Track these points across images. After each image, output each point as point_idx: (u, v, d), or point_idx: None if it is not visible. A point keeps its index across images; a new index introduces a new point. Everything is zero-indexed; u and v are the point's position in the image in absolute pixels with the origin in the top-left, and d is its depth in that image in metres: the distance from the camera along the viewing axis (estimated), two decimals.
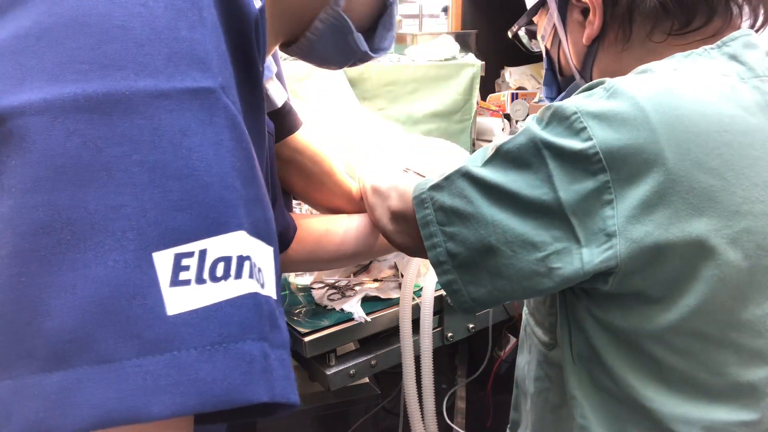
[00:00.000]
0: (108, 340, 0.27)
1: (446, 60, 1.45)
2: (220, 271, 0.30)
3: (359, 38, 0.58)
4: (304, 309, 1.02)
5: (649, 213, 0.49)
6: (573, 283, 0.53)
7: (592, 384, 0.60)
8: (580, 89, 0.55)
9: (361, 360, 1.01)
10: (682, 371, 0.55)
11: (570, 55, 0.71)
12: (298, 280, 1.11)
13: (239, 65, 0.36)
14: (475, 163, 0.58)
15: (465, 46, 1.56)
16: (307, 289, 1.08)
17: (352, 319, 0.97)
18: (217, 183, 0.31)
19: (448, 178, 0.59)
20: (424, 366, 1.03)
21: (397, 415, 1.35)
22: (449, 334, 1.11)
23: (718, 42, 0.56)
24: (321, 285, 1.07)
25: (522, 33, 0.86)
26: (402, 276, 1.06)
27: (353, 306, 0.99)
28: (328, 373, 0.97)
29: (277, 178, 0.79)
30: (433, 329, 1.03)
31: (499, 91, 1.77)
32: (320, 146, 0.88)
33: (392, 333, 1.05)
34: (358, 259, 0.95)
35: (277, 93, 0.78)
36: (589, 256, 0.51)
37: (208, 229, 0.30)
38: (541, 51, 0.81)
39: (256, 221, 0.33)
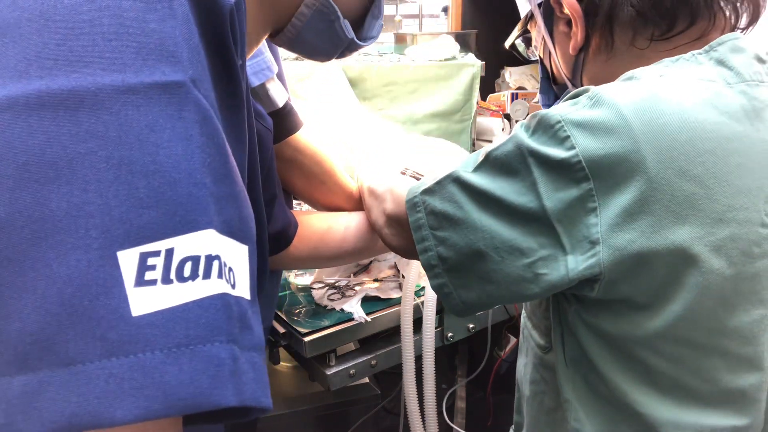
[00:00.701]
0: (71, 342, 0.26)
1: (446, 60, 1.45)
2: (187, 270, 0.29)
3: (346, 25, 0.58)
4: (304, 309, 1.02)
5: (632, 221, 0.49)
6: (559, 289, 0.53)
7: (586, 388, 0.61)
8: (567, 97, 0.55)
9: (361, 360, 1.01)
10: (672, 377, 0.55)
11: (560, 65, 0.71)
12: (298, 280, 1.11)
13: (214, 58, 0.35)
14: (466, 168, 0.58)
15: (465, 46, 1.56)
16: (307, 289, 1.08)
17: (352, 319, 0.97)
18: (186, 180, 0.30)
19: (439, 183, 0.60)
20: (426, 366, 1.03)
21: (397, 415, 1.35)
22: (449, 334, 1.11)
23: (706, 47, 0.56)
24: (321, 285, 1.07)
25: (519, 42, 0.86)
26: (402, 276, 1.06)
27: (353, 306, 0.99)
28: (328, 373, 0.97)
29: (276, 175, 0.79)
30: (434, 329, 1.03)
31: (499, 91, 1.77)
32: (321, 146, 0.88)
33: (392, 333, 1.05)
34: (359, 257, 0.95)
35: (278, 93, 0.78)
36: (574, 264, 0.51)
37: (175, 228, 0.29)
38: (537, 58, 0.81)
39: (228, 219, 0.32)
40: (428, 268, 0.62)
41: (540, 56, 0.77)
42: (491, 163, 0.56)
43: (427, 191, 0.61)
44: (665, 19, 0.59)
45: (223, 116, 0.35)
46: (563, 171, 0.50)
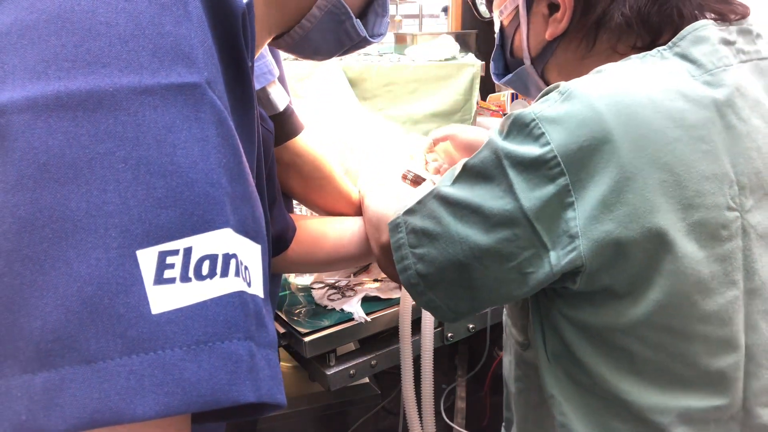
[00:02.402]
0: (92, 340, 0.26)
1: (446, 60, 1.45)
2: (205, 269, 0.29)
3: (358, 24, 0.58)
4: (304, 309, 1.02)
5: (609, 212, 0.50)
6: (546, 284, 0.54)
7: (569, 381, 0.61)
8: (539, 95, 0.55)
9: (361, 360, 1.01)
10: (654, 363, 0.56)
11: (526, 42, 0.71)
12: (298, 280, 1.12)
13: (227, 60, 0.35)
14: (445, 182, 0.59)
15: (465, 46, 1.56)
16: (307, 289, 1.08)
17: (352, 319, 0.97)
18: (203, 180, 0.30)
19: (421, 201, 0.61)
20: (424, 366, 1.03)
21: (397, 415, 1.36)
22: (449, 334, 1.11)
23: (670, 43, 0.57)
24: (321, 285, 1.07)
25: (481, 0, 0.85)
26: None
27: (353, 306, 0.99)
28: (328, 373, 0.97)
29: (276, 178, 0.79)
30: (434, 329, 1.04)
31: (499, 91, 1.77)
32: (320, 150, 0.88)
33: (392, 333, 1.05)
34: (357, 262, 0.96)
35: (279, 96, 0.78)
36: (556, 259, 0.52)
37: (193, 227, 0.29)
38: (491, 19, 0.80)
39: (243, 219, 0.33)
40: (409, 287, 0.62)
41: (503, 23, 0.76)
42: (468, 173, 0.57)
43: (409, 211, 0.62)
44: (650, 33, 0.60)
45: (235, 117, 0.36)
46: (538, 168, 0.51)
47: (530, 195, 0.51)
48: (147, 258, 0.28)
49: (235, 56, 0.36)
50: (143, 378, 0.27)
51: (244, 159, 0.34)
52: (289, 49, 0.60)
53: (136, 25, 0.30)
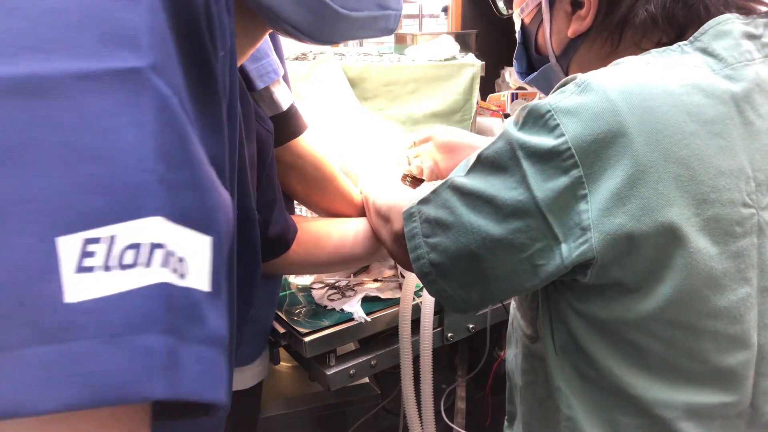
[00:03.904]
0: (1, 328, 0.26)
1: (446, 60, 1.45)
2: (129, 258, 0.28)
3: None
4: (304, 309, 1.02)
5: (622, 204, 0.50)
6: (557, 276, 0.54)
7: (576, 374, 0.61)
8: (555, 87, 0.55)
9: (361, 360, 1.01)
10: (663, 358, 0.56)
11: (550, 40, 0.70)
12: (298, 280, 1.12)
13: (186, 48, 0.34)
14: (459, 173, 0.59)
15: (465, 46, 1.57)
16: (307, 289, 1.08)
17: (352, 319, 0.97)
18: (134, 166, 0.29)
19: (435, 191, 0.61)
20: (423, 366, 1.03)
21: (397, 415, 1.36)
22: (449, 334, 1.11)
23: (691, 38, 0.57)
24: (321, 285, 1.07)
25: None
26: (402, 276, 1.06)
27: (353, 306, 0.99)
28: (328, 373, 0.97)
29: (276, 179, 0.79)
30: (433, 329, 1.04)
31: (499, 91, 1.77)
32: (322, 151, 0.88)
33: (392, 333, 1.05)
34: (360, 263, 0.96)
35: (282, 96, 0.78)
36: (567, 251, 0.52)
37: (119, 214, 0.28)
38: (510, 17, 0.80)
39: (184, 207, 0.31)
40: (422, 276, 0.62)
41: (524, 21, 0.75)
42: (482, 164, 0.56)
43: (423, 201, 0.62)
44: (676, 29, 0.59)
45: (196, 106, 0.35)
46: (552, 160, 0.51)
47: (543, 186, 0.51)
48: (68, 245, 0.27)
49: (195, 43, 0.35)
50: (50, 370, 0.26)
51: (194, 146, 0.33)
52: (282, 32, 0.57)
53: (83, 12, 0.30)
